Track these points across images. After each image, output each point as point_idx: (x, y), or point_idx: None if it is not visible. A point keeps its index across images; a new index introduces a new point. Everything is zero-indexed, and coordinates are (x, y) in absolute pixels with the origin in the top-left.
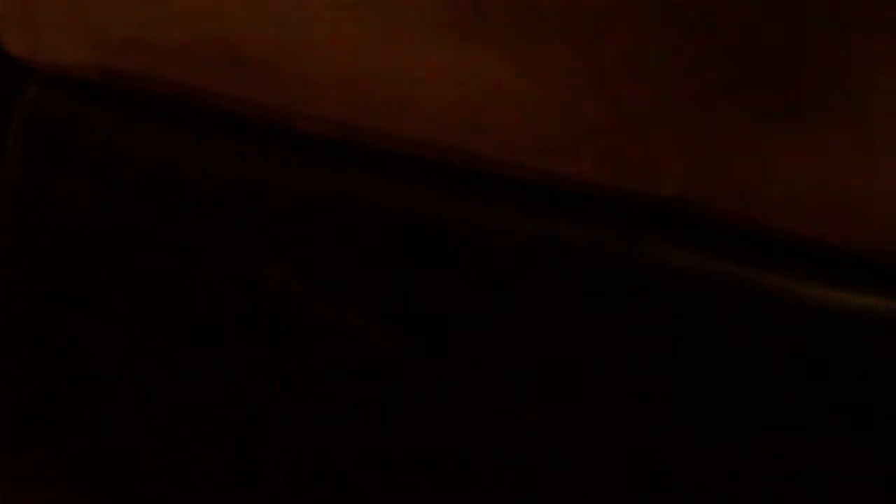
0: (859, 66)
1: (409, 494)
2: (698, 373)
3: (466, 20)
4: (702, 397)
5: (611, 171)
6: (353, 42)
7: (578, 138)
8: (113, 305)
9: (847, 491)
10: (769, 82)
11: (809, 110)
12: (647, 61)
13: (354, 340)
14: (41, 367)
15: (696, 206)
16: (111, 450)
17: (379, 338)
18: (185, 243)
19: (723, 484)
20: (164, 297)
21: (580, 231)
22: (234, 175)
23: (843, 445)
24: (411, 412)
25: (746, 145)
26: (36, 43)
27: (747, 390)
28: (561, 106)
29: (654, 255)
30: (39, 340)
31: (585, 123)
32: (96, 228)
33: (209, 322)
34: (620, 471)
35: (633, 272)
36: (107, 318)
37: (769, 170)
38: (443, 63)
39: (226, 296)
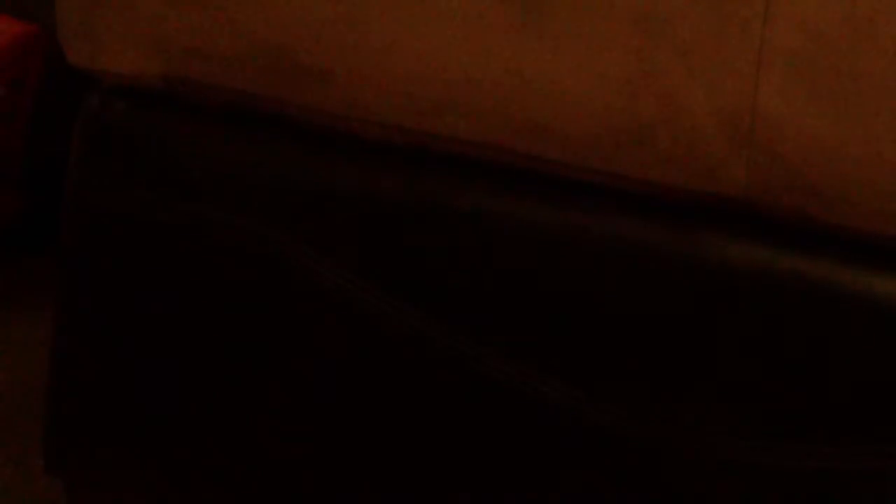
0: None
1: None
2: (761, 367)
3: (524, 22)
4: (762, 391)
5: (670, 169)
6: (411, 47)
7: (636, 137)
8: (175, 309)
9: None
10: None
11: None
12: (700, 60)
13: (416, 338)
14: (105, 368)
15: (758, 203)
16: (185, 452)
17: (439, 334)
18: (249, 249)
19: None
20: (229, 301)
21: (640, 228)
22: (300, 182)
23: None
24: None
25: (808, 142)
26: (98, 53)
27: (809, 384)
28: (618, 105)
29: (714, 252)
30: (103, 340)
31: (642, 121)
32: (159, 235)
33: (275, 326)
34: (662, 465)
35: (693, 268)
36: (174, 323)
37: (830, 166)
38: (502, 65)
39: (289, 296)
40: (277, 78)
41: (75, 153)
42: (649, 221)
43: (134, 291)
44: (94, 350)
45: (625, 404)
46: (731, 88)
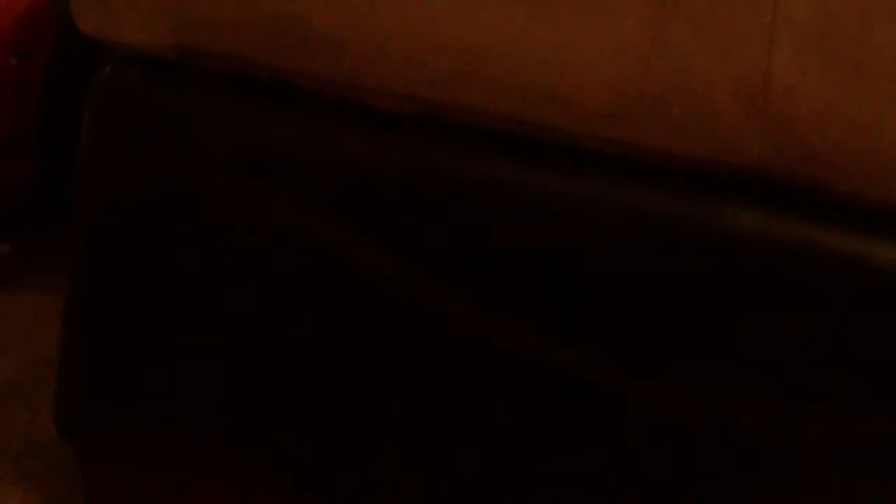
0: None
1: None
2: (776, 337)
3: None
4: (773, 361)
5: (683, 139)
6: (424, 15)
7: (649, 107)
8: (186, 278)
9: None
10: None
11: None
12: (713, 30)
13: (425, 304)
14: (116, 337)
15: (771, 173)
16: (193, 418)
17: (447, 302)
18: (260, 217)
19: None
20: (238, 267)
21: (653, 199)
22: (311, 151)
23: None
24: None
25: (821, 111)
26: (110, 23)
27: (823, 354)
28: (631, 75)
29: (728, 222)
30: (114, 309)
31: (655, 91)
32: (171, 204)
33: (286, 291)
34: (675, 435)
35: (707, 238)
36: (184, 291)
37: (843, 135)
38: (514, 34)
39: (300, 263)
40: (289, 47)
41: (87, 123)
42: (663, 191)
43: (145, 260)
44: (105, 319)
45: (638, 374)
46: (744, 59)
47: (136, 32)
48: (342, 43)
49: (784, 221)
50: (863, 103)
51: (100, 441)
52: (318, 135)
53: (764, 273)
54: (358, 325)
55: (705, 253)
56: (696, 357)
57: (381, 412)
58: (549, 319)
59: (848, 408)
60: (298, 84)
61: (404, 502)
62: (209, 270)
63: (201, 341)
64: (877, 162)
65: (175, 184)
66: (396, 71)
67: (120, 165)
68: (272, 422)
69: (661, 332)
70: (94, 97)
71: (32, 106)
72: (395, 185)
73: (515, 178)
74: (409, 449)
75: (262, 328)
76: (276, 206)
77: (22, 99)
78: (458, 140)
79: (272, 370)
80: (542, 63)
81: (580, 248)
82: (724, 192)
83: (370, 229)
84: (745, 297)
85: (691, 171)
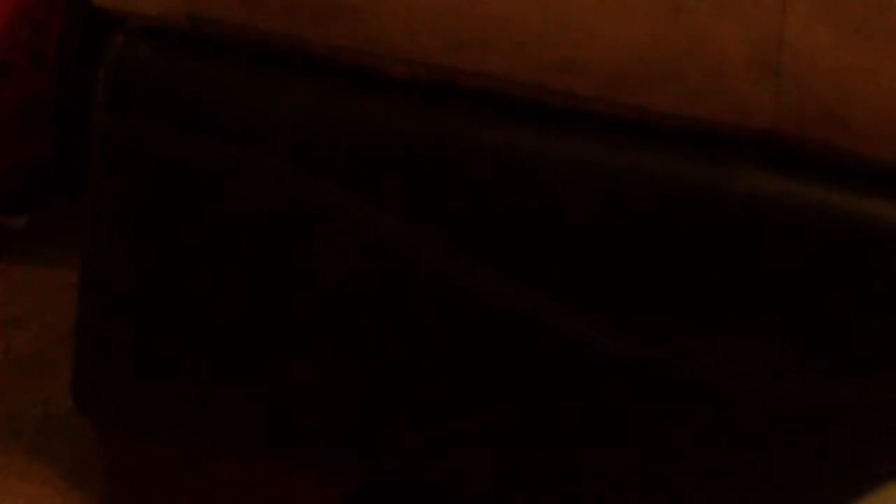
0: None
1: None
2: (789, 299)
3: None
4: (790, 326)
5: (698, 103)
6: None
7: (664, 71)
8: (202, 250)
9: None
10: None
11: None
12: None
13: (444, 276)
14: (133, 309)
15: (786, 136)
16: (211, 389)
17: (467, 272)
18: (276, 188)
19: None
20: (253, 237)
21: (669, 162)
22: (327, 121)
23: None
24: (494, 341)
25: (835, 73)
26: None
27: (840, 319)
28: (646, 39)
29: (742, 185)
30: (130, 280)
31: (670, 55)
32: (185, 177)
33: (301, 261)
34: (688, 399)
35: (721, 201)
36: (200, 262)
37: (858, 98)
38: (531, 0)
39: (314, 232)
40: (303, 15)
41: (100, 96)
42: (678, 155)
43: (160, 232)
44: (121, 291)
45: (651, 338)
46: (759, 21)
47: (148, 2)
48: (357, 10)
49: (798, 185)
50: (877, 65)
51: (118, 415)
52: (334, 105)
53: (778, 236)
54: (372, 294)
55: (720, 216)
56: (709, 322)
57: (394, 378)
58: (568, 287)
59: (864, 372)
60: (313, 53)
61: (427, 466)
62: (225, 241)
63: (219, 312)
64: (892, 124)
65: (189, 155)
66: (411, 39)
67: (133, 137)
68: (292, 394)
69: (677, 297)
70: (107, 69)
71: (46, 78)
72: (412, 154)
73: (533, 144)
74: (431, 414)
75: (279, 297)
76: (292, 176)
77: (35, 71)
78: (475, 108)
79: (292, 340)
80: (557, 28)
81: (598, 214)
82: (739, 156)
83: (386, 199)
84: (759, 261)
85: (706, 134)
